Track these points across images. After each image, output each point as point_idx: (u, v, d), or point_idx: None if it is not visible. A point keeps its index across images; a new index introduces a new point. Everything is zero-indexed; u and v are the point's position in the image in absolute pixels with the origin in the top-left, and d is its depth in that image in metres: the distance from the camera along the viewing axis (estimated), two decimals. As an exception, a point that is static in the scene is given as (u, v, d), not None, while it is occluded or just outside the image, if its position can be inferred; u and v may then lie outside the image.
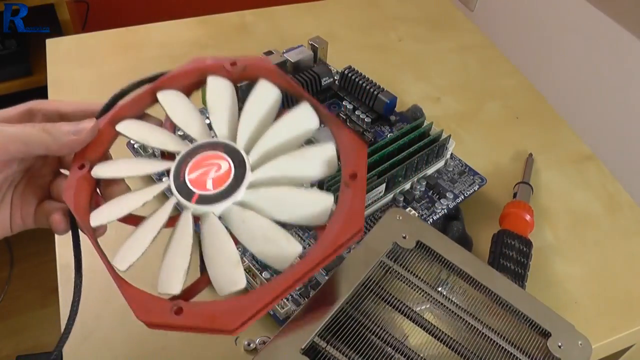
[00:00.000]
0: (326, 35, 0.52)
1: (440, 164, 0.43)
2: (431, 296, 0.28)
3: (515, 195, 0.43)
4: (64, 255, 0.37)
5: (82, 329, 0.34)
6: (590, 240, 0.42)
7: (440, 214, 0.40)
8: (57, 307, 0.35)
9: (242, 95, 0.47)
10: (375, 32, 0.62)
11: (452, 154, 0.43)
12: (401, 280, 0.29)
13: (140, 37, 0.57)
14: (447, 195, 0.41)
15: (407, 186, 0.41)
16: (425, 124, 0.42)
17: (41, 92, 0.52)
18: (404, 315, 0.28)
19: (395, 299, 0.28)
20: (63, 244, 0.38)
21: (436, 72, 0.57)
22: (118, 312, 0.35)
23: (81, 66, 0.53)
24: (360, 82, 0.47)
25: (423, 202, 0.41)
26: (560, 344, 0.28)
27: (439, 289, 0.29)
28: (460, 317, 0.28)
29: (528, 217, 0.40)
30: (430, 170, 0.42)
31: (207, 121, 0.27)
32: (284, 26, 0.60)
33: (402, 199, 0.40)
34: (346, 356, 0.25)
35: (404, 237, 0.30)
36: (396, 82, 0.53)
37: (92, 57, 0.54)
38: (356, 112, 0.47)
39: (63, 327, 0.34)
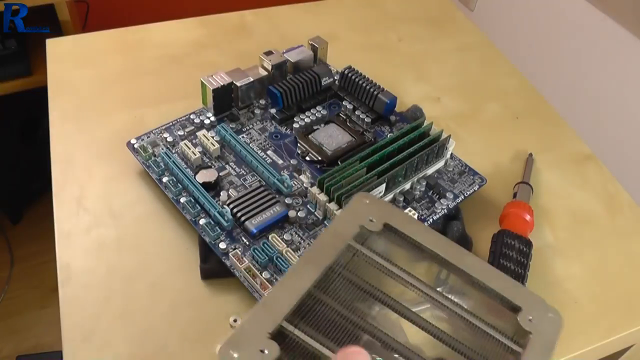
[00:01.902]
0: (326, 35, 0.52)
1: (440, 164, 0.43)
2: (400, 277, 0.28)
3: (515, 195, 0.43)
4: (64, 255, 0.37)
5: (82, 329, 0.34)
6: (590, 240, 0.42)
7: (440, 214, 0.40)
8: (57, 307, 0.35)
9: (241, 95, 0.47)
10: (375, 32, 0.62)
11: (452, 154, 0.43)
12: (369, 263, 0.29)
13: (140, 37, 0.57)
14: (447, 195, 0.41)
15: (407, 186, 0.41)
16: (425, 124, 0.42)
17: (41, 92, 0.52)
18: (373, 297, 0.28)
19: (364, 281, 0.28)
20: (63, 244, 0.38)
21: (436, 72, 0.57)
22: (118, 312, 0.35)
23: (81, 66, 0.53)
24: (360, 82, 0.47)
25: (423, 202, 0.41)
26: (530, 317, 0.28)
27: (407, 270, 0.29)
28: (429, 296, 0.28)
29: (528, 217, 0.40)
30: (430, 170, 0.42)
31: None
32: (284, 26, 0.60)
33: (402, 199, 0.40)
34: (315, 339, 0.25)
35: (371, 221, 0.30)
36: (396, 82, 0.53)
37: (92, 57, 0.54)
38: (356, 112, 0.47)
39: (63, 327, 0.34)
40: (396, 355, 0.26)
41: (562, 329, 0.28)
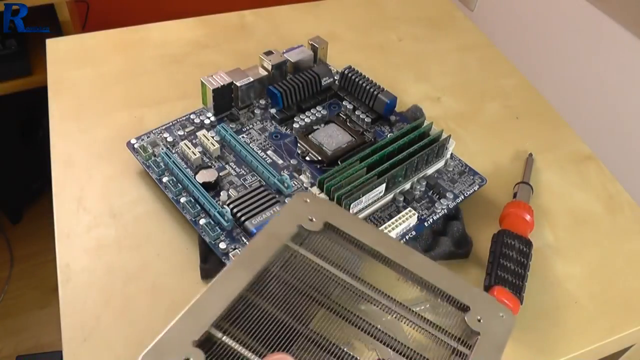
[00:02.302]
0: (326, 35, 0.52)
1: (440, 164, 0.43)
2: (340, 278, 0.27)
3: (515, 195, 0.43)
4: (64, 255, 0.37)
5: (82, 329, 0.34)
6: (590, 240, 0.42)
7: (440, 214, 0.40)
8: (57, 307, 0.35)
9: (241, 95, 0.47)
10: (375, 32, 0.62)
11: (452, 154, 0.43)
12: (307, 264, 0.28)
13: (140, 37, 0.57)
14: (447, 195, 0.41)
15: (407, 186, 0.41)
16: (425, 124, 0.42)
17: (41, 92, 0.52)
18: (310, 299, 0.27)
19: (302, 282, 0.27)
20: (63, 244, 0.38)
21: (436, 72, 0.57)
22: (118, 312, 0.35)
23: (81, 66, 0.53)
24: (360, 82, 0.47)
25: (423, 202, 0.41)
26: (479, 317, 0.26)
27: (349, 271, 0.28)
28: (372, 298, 0.27)
29: (528, 217, 0.40)
30: (430, 170, 0.42)
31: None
32: (284, 26, 0.60)
33: (402, 199, 0.40)
34: (245, 345, 0.24)
35: (311, 220, 0.29)
36: (396, 82, 0.53)
37: (92, 57, 0.54)
38: (356, 112, 0.47)
39: (63, 327, 0.34)
40: (334, 359, 0.25)
41: (512, 329, 0.27)
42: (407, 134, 0.41)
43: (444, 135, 0.41)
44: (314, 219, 0.29)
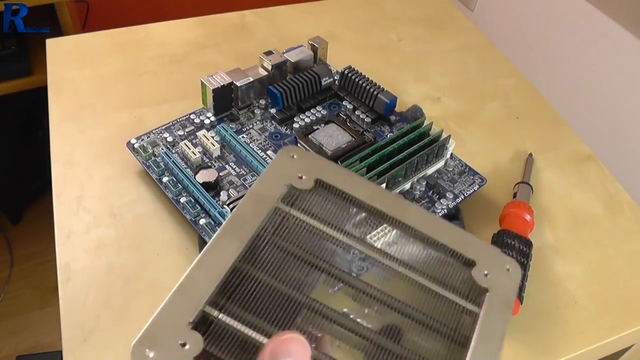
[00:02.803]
0: (326, 35, 0.52)
1: (440, 164, 0.43)
2: (336, 239, 0.25)
3: (515, 195, 0.43)
4: (64, 255, 0.37)
5: (82, 329, 0.34)
6: (590, 240, 0.42)
7: (440, 214, 0.40)
8: (57, 307, 0.35)
9: (241, 95, 0.47)
10: (375, 32, 0.62)
11: (452, 154, 0.43)
12: (302, 227, 0.25)
13: (140, 37, 0.57)
14: (447, 195, 0.41)
15: (407, 186, 0.41)
16: (425, 124, 0.42)
17: (41, 92, 0.52)
18: (309, 265, 0.25)
19: (298, 247, 0.25)
20: (63, 244, 0.38)
21: (436, 72, 0.57)
22: (118, 312, 0.35)
23: (81, 66, 0.53)
24: (360, 82, 0.47)
25: (423, 202, 0.41)
26: (486, 272, 0.25)
27: (346, 228, 0.26)
28: (372, 257, 0.25)
29: (528, 217, 0.40)
30: (430, 170, 0.42)
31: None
32: (284, 26, 0.60)
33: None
34: (244, 322, 0.22)
35: (300, 178, 0.26)
36: (396, 82, 0.53)
37: (92, 57, 0.54)
38: (356, 112, 0.47)
39: (63, 327, 0.34)
40: (340, 328, 0.23)
41: (519, 282, 0.26)
42: (407, 134, 0.41)
43: (444, 135, 0.41)
44: (303, 177, 0.26)
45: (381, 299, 0.24)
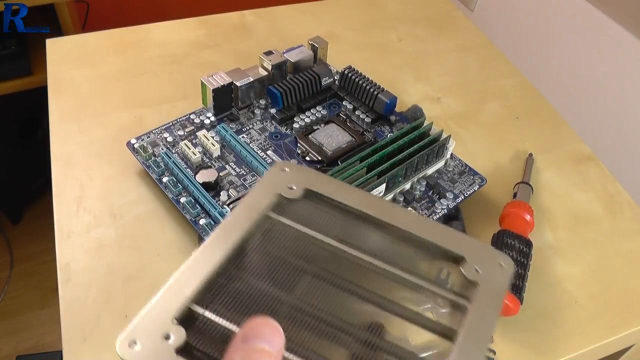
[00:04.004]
0: (326, 35, 0.52)
1: (440, 164, 0.43)
2: (325, 243, 0.26)
3: (515, 195, 0.43)
4: (64, 255, 0.37)
5: (82, 329, 0.34)
6: (590, 240, 0.42)
7: (440, 214, 0.40)
8: (57, 307, 0.35)
9: (241, 95, 0.47)
10: (375, 32, 0.62)
11: (452, 154, 0.43)
12: (290, 232, 0.26)
13: (140, 37, 0.57)
14: (447, 195, 0.41)
15: (407, 186, 0.41)
16: (425, 124, 0.42)
17: (41, 92, 0.52)
18: (295, 268, 0.25)
19: (285, 251, 0.26)
20: (63, 244, 0.38)
21: (436, 72, 0.57)
22: (118, 312, 0.35)
23: (81, 66, 0.53)
24: (360, 82, 0.47)
25: (423, 202, 0.41)
26: (476, 267, 0.25)
27: (335, 235, 0.26)
28: (361, 260, 0.26)
29: (528, 217, 0.40)
30: (430, 170, 0.42)
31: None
32: (284, 26, 0.60)
33: (402, 199, 0.40)
34: (229, 319, 0.23)
35: (290, 188, 0.27)
36: (396, 82, 0.53)
37: (92, 57, 0.54)
38: (356, 112, 0.47)
39: (63, 327, 0.34)
40: (324, 325, 0.24)
41: (511, 276, 0.26)
42: (407, 134, 0.41)
43: (444, 135, 0.41)
44: (293, 187, 0.27)
45: (369, 298, 0.25)
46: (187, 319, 0.23)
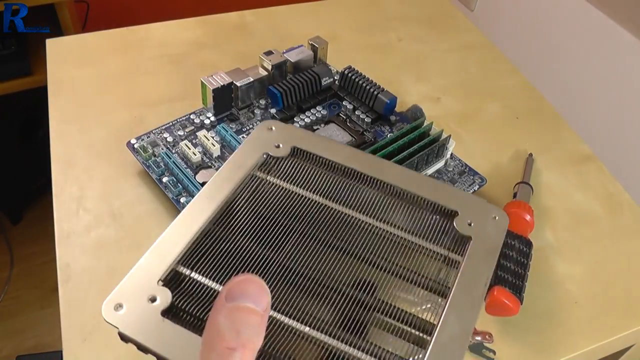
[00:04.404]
0: (326, 35, 0.52)
1: (440, 164, 0.43)
2: (314, 201, 0.25)
3: (515, 195, 0.43)
4: (64, 255, 0.37)
5: (82, 329, 0.34)
6: (590, 241, 0.42)
7: (440, 214, 0.40)
8: (57, 307, 0.35)
9: (241, 95, 0.47)
10: (375, 32, 0.62)
11: (452, 154, 0.43)
12: (277, 191, 0.26)
13: (140, 37, 0.57)
14: (447, 195, 0.41)
15: (407, 186, 0.41)
16: (425, 124, 0.42)
17: (41, 92, 0.52)
18: (283, 226, 0.25)
19: (272, 210, 0.25)
20: (63, 244, 0.38)
21: (436, 72, 0.57)
22: (118, 312, 0.35)
23: (81, 66, 0.53)
24: (360, 82, 0.47)
25: (423, 202, 0.41)
26: (469, 221, 0.25)
27: (324, 192, 0.26)
28: (350, 217, 0.25)
29: (528, 217, 0.40)
30: (430, 170, 0.42)
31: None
32: (284, 26, 0.60)
33: (402, 199, 0.40)
34: (215, 279, 0.22)
35: (277, 147, 0.27)
36: (396, 82, 0.53)
37: (92, 57, 0.54)
38: (356, 112, 0.47)
39: (63, 327, 0.34)
40: (312, 284, 0.23)
41: (505, 229, 0.25)
42: (407, 134, 0.41)
43: (444, 135, 0.41)
44: (280, 145, 0.27)
45: (358, 255, 0.24)
46: (173, 280, 0.22)
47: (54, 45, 0.55)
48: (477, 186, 0.42)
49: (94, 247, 0.38)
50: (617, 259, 0.41)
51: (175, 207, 0.39)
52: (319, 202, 0.26)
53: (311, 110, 0.46)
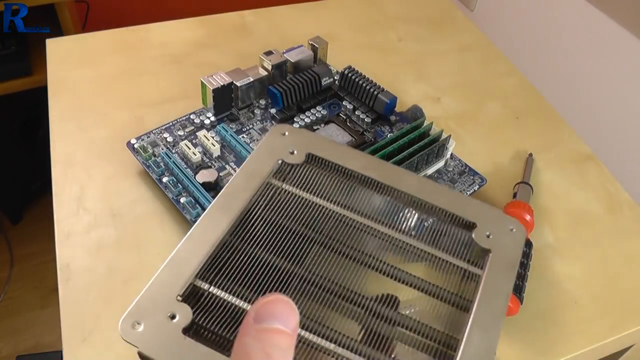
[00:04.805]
0: (326, 35, 0.52)
1: (440, 164, 0.43)
2: (332, 211, 0.25)
3: (515, 195, 0.43)
4: (64, 255, 0.37)
5: (82, 329, 0.34)
6: (590, 240, 0.42)
7: (440, 214, 0.40)
8: (57, 307, 0.35)
9: (241, 95, 0.47)
10: (375, 32, 0.62)
11: (452, 154, 0.43)
12: (293, 200, 0.25)
13: (140, 37, 0.57)
14: (447, 195, 0.41)
15: (407, 186, 0.41)
16: (425, 124, 0.42)
17: (41, 92, 0.52)
18: (302, 237, 0.24)
19: (290, 220, 0.24)
20: (63, 244, 0.38)
21: (436, 72, 0.57)
22: (118, 312, 0.35)
23: (81, 66, 0.53)
24: (360, 82, 0.47)
25: (423, 202, 0.41)
26: (488, 233, 0.24)
27: (341, 202, 0.25)
28: (369, 228, 0.25)
29: (528, 217, 0.40)
30: (430, 170, 0.42)
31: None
32: (284, 26, 0.60)
33: (402, 199, 0.40)
34: (234, 294, 0.21)
35: (292, 153, 0.26)
36: (396, 82, 0.53)
37: (92, 57, 0.54)
38: (356, 112, 0.47)
39: (63, 327, 0.34)
40: (334, 297, 0.23)
41: (523, 242, 0.24)
42: (407, 134, 0.41)
43: (444, 135, 0.41)
44: (295, 152, 0.26)
45: (378, 268, 0.24)
46: (191, 296, 0.21)
47: (54, 45, 0.55)
48: (477, 186, 0.42)
49: (94, 247, 0.38)
50: (617, 258, 0.41)
51: (176, 207, 0.39)
52: (336, 212, 0.25)
53: (311, 110, 0.46)
